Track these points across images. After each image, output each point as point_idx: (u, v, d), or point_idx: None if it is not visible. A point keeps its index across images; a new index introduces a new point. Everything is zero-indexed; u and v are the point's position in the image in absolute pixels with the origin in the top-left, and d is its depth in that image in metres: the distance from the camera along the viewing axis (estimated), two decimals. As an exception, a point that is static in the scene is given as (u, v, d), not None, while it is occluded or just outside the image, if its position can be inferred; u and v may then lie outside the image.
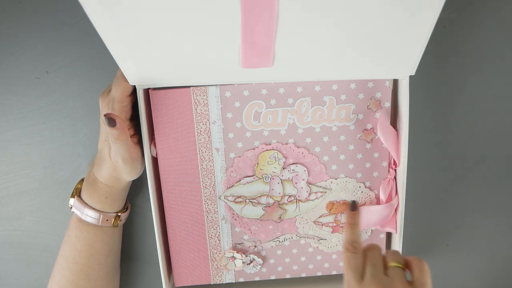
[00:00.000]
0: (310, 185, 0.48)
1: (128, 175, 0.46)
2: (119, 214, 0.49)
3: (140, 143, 0.46)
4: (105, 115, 0.40)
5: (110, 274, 0.51)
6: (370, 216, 0.49)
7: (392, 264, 0.40)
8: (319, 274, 0.53)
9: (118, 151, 0.43)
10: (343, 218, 0.50)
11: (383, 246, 0.52)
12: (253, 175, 0.48)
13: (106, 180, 0.46)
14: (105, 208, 0.48)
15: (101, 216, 0.47)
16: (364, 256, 0.41)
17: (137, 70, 0.40)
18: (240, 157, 0.47)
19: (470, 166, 0.55)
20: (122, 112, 0.43)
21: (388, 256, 0.42)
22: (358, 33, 0.37)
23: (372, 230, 0.51)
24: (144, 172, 0.46)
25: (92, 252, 0.48)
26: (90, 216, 0.47)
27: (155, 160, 0.47)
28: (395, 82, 0.46)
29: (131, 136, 0.45)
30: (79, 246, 0.48)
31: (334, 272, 0.53)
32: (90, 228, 0.48)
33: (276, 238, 0.50)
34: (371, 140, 0.47)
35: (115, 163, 0.45)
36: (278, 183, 0.48)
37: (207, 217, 0.49)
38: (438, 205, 0.56)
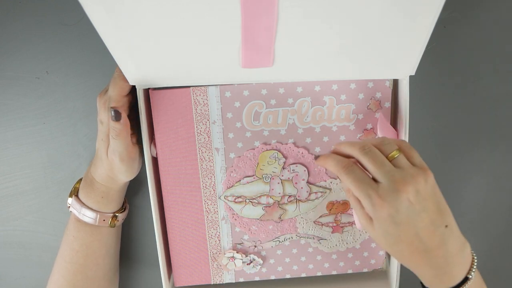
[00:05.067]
0: (310, 185, 0.48)
1: (124, 175, 0.46)
2: (116, 214, 0.49)
3: (138, 143, 0.46)
4: (111, 107, 0.40)
5: (108, 274, 0.51)
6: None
7: (394, 154, 0.37)
8: (319, 274, 0.53)
9: (116, 148, 0.43)
10: (343, 218, 0.50)
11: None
12: (253, 175, 0.48)
13: (102, 180, 0.46)
14: (102, 208, 0.48)
15: (98, 216, 0.47)
16: (360, 162, 0.37)
17: (137, 70, 0.40)
18: (240, 157, 0.47)
19: (470, 166, 0.55)
20: None
21: (383, 147, 0.38)
22: (358, 33, 0.37)
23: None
24: (144, 172, 0.46)
25: (89, 252, 0.48)
26: (87, 216, 0.47)
27: (155, 160, 0.47)
28: (395, 82, 0.46)
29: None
30: (76, 246, 0.48)
31: (334, 272, 0.53)
32: (87, 228, 0.48)
33: (276, 238, 0.50)
34: (371, 140, 0.47)
35: (111, 161, 0.44)
36: (278, 183, 0.48)
37: (207, 217, 0.49)
38: (438, 205, 0.56)
